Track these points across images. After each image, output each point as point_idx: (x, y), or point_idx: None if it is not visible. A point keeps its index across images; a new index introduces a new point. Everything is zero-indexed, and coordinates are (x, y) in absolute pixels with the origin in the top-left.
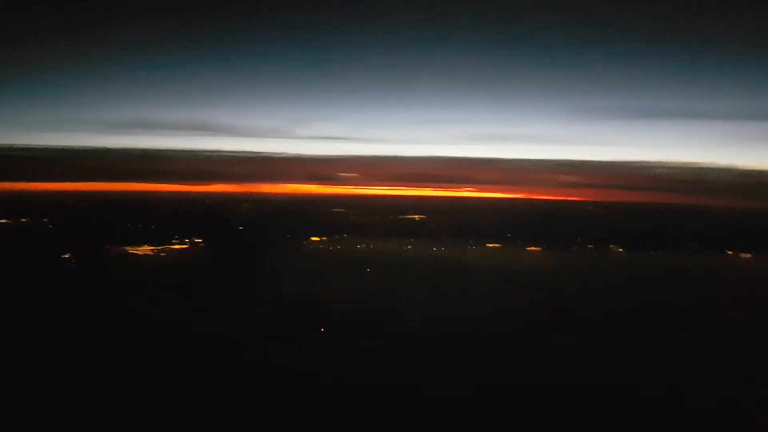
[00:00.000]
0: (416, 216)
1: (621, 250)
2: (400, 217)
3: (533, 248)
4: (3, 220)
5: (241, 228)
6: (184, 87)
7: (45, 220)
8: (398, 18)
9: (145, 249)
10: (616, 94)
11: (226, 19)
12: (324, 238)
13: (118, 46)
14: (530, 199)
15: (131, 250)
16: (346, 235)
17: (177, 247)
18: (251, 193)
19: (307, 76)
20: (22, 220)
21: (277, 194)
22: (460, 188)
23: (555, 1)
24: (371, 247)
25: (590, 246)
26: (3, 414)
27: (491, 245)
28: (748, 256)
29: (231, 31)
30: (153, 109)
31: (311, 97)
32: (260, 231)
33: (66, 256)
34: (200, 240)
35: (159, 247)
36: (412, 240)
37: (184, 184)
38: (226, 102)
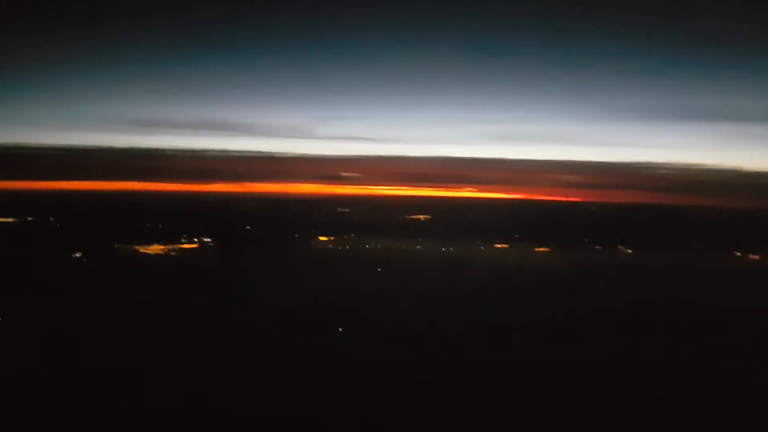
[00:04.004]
0: (421, 216)
1: (629, 251)
2: (406, 217)
3: (541, 249)
4: (9, 219)
5: (248, 227)
6: (188, 86)
7: (51, 218)
8: (403, 18)
9: (156, 248)
10: (620, 95)
11: (238, 18)
12: (332, 238)
13: (130, 43)
14: (533, 200)
15: (141, 249)
16: (353, 235)
17: (187, 246)
18: (255, 192)
19: (311, 76)
20: (29, 218)
21: (281, 193)
22: (462, 189)
23: (560, 3)
24: (379, 246)
25: (598, 247)
26: (19, 412)
27: (499, 246)
28: (756, 257)
29: (237, 31)
30: (154, 108)
31: (314, 98)
32: (268, 230)
33: (77, 255)
34: (209, 239)
35: (169, 247)
36: (420, 240)
37: (187, 184)
38: (229, 101)
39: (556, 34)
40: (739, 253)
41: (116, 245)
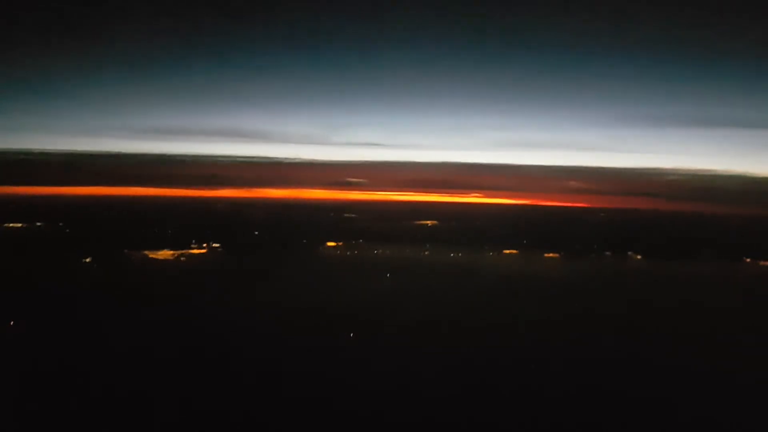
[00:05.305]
0: (428, 222)
1: (639, 257)
2: (413, 222)
3: (551, 255)
4: (18, 225)
5: (256, 233)
6: (200, 93)
7: (61, 224)
8: (414, 28)
9: (165, 254)
10: (629, 102)
11: (252, 27)
12: (340, 243)
13: (143, 49)
14: (541, 206)
15: (151, 254)
16: (361, 241)
17: (196, 251)
18: (264, 198)
19: (323, 84)
20: (38, 224)
21: (289, 199)
22: (469, 194)
23: (569, 11)
24: (388, 252)
25: (608, 253)
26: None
27: (508, 251)
28: (766, 263)
29: (250, 40)
30: (166, 114)
31: (326, 105)
32: (276, 236)
33: (87, 260)
34: (218, 245)
35: (178, 252)
36: (428, 245)
37: (196, 190)
38: (241, 108)
39: (565, 42)
40: (749, 259)
41: (126, 251)
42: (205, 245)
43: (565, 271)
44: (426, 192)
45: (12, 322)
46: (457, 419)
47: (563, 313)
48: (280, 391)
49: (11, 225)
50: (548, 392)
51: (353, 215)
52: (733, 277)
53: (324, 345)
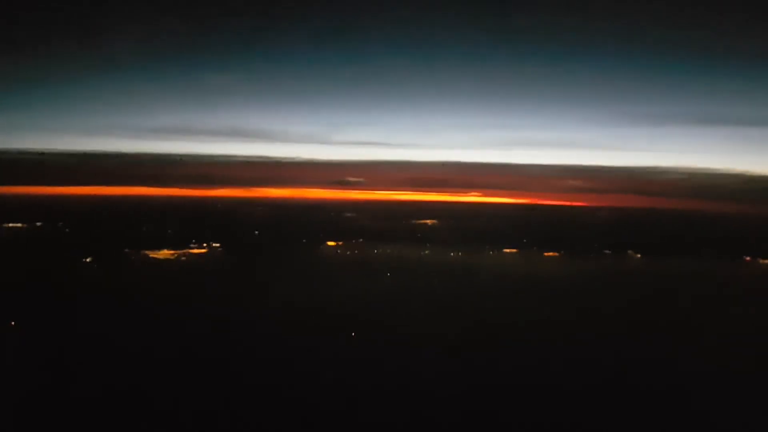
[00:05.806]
0: (428, 221)
1: (639, 255)
2: (413, 221)
3: (551, 253)
4: (18, 224)
5: (256, 232)
6: (202, 93)
7: (61, 223)
8: (414, 28)
9: (165, 253)
10: (628, 100)
11: (254, 27)
12: (340, 243)
13: (143, 50)
14: (541, 205)
15: (151, 254)
16: (361, 240)
17: (196, 251)
18: (264, 197)
19: (324, 84)
20: (38, 224)
21: (289, 198)
22: (468, 193)
23: (568, 9)
24: (388, 251)
25: (607, 252)
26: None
27: (508, 250)
28: (766, 261)
29: (252, 40)
30: (167, 114)
31: (327, 104)
32: (276, 235)
33: (87, 260)
34: (218, 244)
35: (178, 252)
36: (428, 245)
37: (196, 189)
38: (242, 108)
39: (565, 41)
40: (749, 258)
41: (126, 250)
42: (205, 245)
43: (565, 270)
44: (426, 191)
45: (13, 322)
46: (458, 419)
47: (563, 312)
48: (280, 391)
49: (11, 225)
50: (549, 392)
51: (353, 214)
52: (733, 275)
53: (324, 345)
